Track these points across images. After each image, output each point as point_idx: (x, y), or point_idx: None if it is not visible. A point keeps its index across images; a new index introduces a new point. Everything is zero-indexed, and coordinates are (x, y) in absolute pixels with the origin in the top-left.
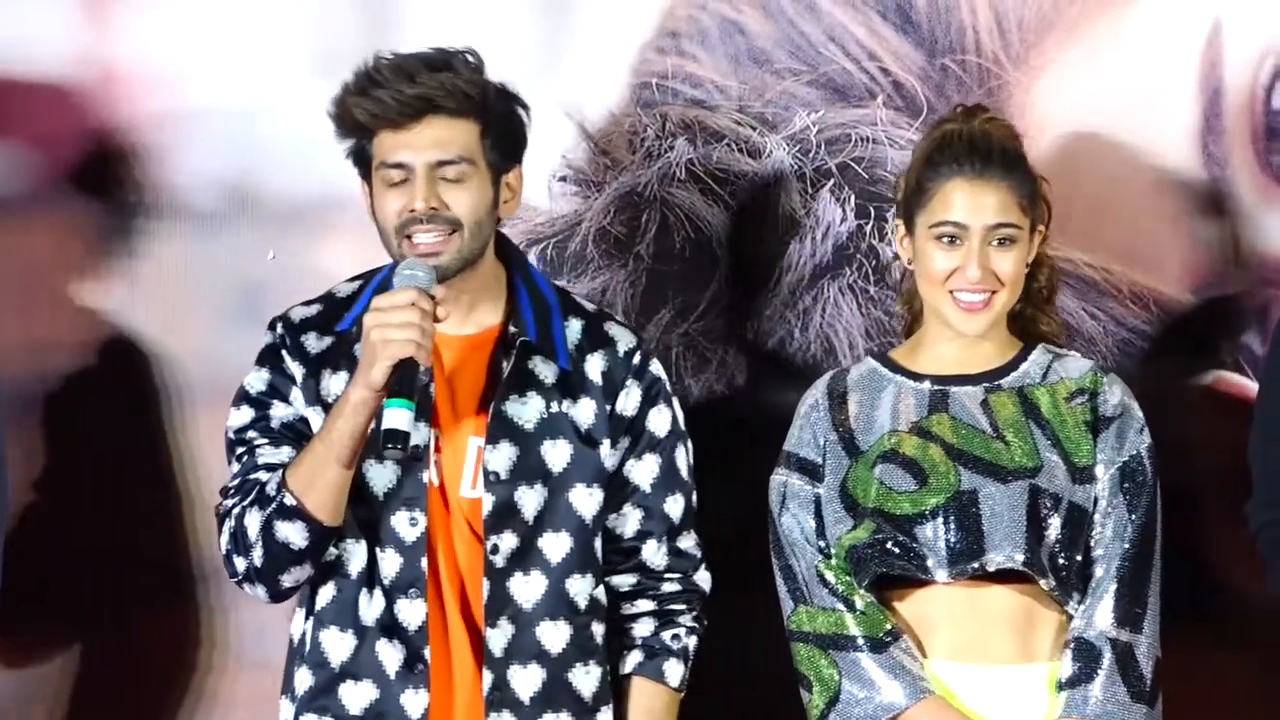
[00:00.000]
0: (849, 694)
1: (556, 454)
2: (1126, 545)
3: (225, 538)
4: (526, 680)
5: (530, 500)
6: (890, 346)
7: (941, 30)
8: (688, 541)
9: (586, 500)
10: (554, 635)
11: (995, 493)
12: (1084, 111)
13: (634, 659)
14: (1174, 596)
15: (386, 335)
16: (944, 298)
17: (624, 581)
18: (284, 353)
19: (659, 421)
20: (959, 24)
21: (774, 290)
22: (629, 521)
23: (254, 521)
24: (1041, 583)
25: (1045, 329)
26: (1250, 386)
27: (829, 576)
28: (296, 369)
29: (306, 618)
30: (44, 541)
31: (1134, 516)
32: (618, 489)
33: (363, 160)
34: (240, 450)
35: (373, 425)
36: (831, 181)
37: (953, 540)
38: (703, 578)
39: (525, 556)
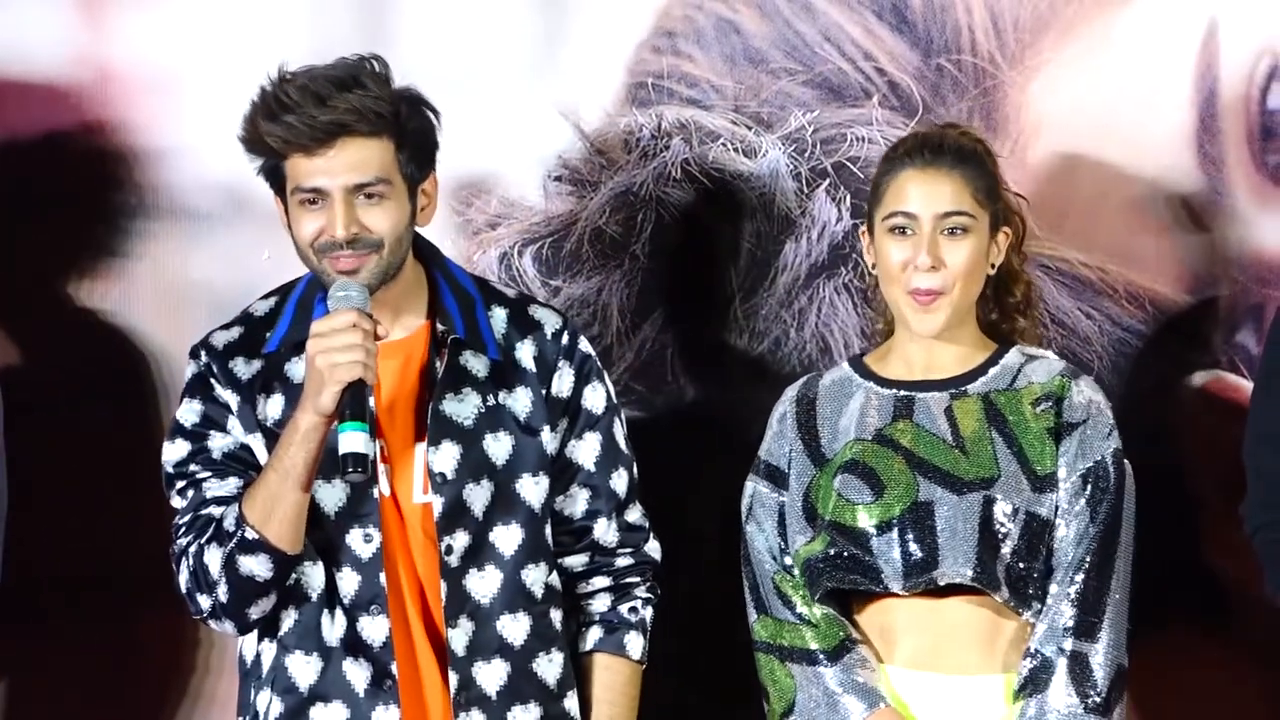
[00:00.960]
0: (803, 705)
1: (499, 447)
2: (1085, 553)
3: (185, 577)
4: (491, 675)
5: (479, 496)
6: (875, 346)
7: (937, 30)
8: (635, 514)
9: (534, 489)
10: (514, 628)
11: (950, 504)
12: (1079, 111)
13: (593, 635)
14: (1172, 597)
15: (332, 360)
16: (900, 295)
17: (577, 562)
18: (213, 381)
19: (594, 399)
20: (954, 24)
21: (770, 290)
22: (577, 502)
23: (214, 559)
24: (995, 596)
25: (1025, 338)
26: (1245, 386)
27: (785, 588)
28: (230, 397)
29: (261, 639)
30: (42, 541)
31: (1095, 523)
32: (561, 470)
33: (275, 178)
34: (181, 485)
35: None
36: (827, 181)
37: (908, 553)
38: (653, 548)
39: (479, 552)
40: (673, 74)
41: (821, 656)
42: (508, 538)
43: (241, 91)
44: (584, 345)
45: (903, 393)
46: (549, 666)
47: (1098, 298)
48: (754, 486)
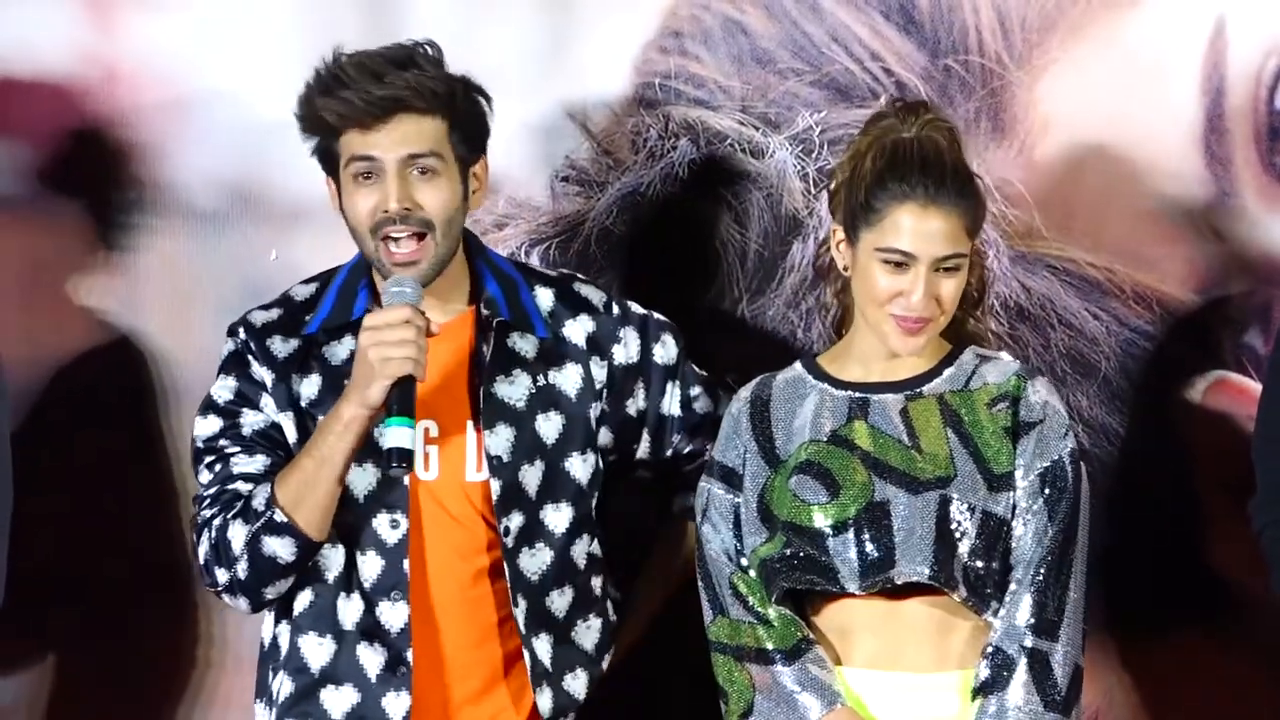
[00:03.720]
0: (761, 706)
1: (549, 427)
2: (1044, 552)
3: (205, 549)
4: (542, 649)
5: (532, 477)
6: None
7: (944, 30)
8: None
9: (581, 467)
10: (560, 600)
11: (906, 504)
12: (1087, 111)
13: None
14: (1177, 597)
15: (384, 354)
16: (883, 317)
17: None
18: (250, 358)
19: (663, 353)
20: (962, 24)
21: (777, 291)
22: (689, 444)
23: (239, 535)
24: (954, 595)
25: (973, 330)
26: (1253, 386)
27: (742, 589)
28: (265, 374)
29: (278, 622)
30: (45, 540)
31: (1053, 523)
32: (658, 428)
33: (329, 158)
34: (210, 459)
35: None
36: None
37: (865, 552)
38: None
39: (530, 531)
40: (680, 74)
41: (777, 656)
42: (558, 517)
43: (246, 89)
44: (636, 307)
45: (857, 394)
46: (587, 633)
47: (1105, 298)
48: (709, 488)
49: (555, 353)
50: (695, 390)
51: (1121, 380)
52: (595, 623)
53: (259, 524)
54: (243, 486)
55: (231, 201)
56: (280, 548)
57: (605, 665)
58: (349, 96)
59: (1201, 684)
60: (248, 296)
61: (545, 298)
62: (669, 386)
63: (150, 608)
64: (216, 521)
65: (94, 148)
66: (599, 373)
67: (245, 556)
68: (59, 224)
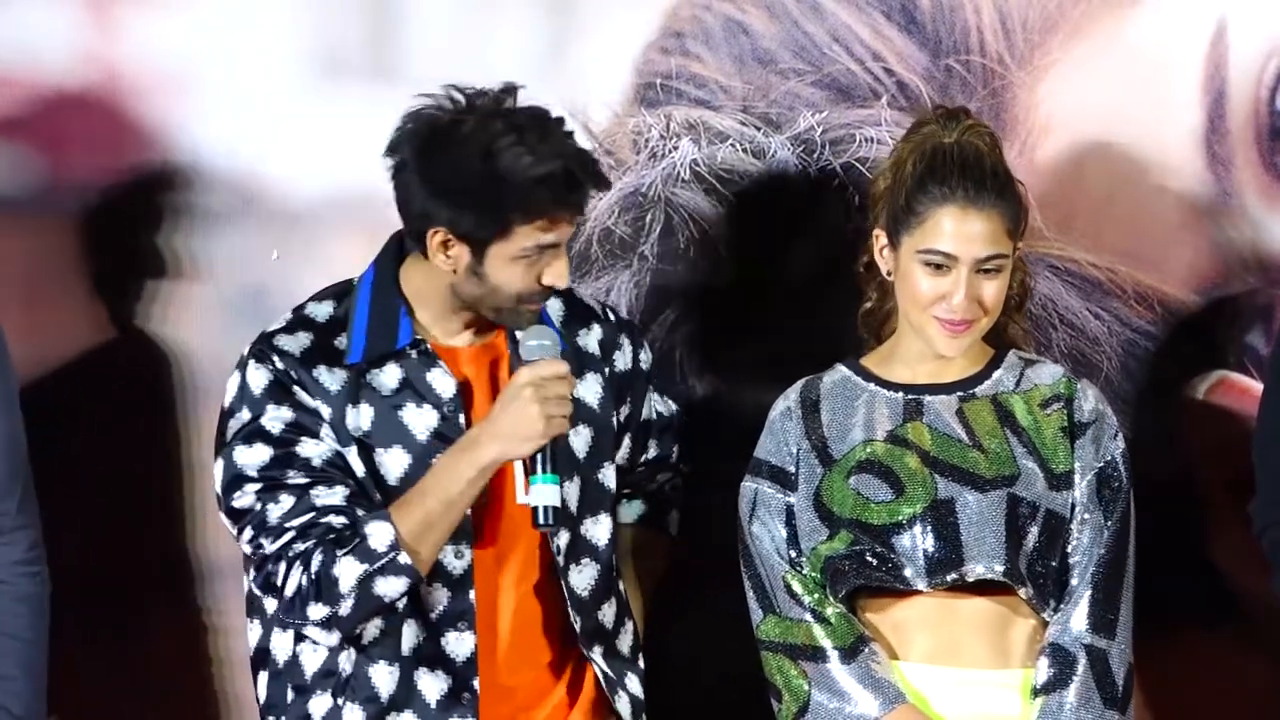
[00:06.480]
0: (818, 704)
1: (579, 441)
2: (1102, 551)
3: (300, 582)
4: (600, 661)
5: (572, 493)
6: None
7: (946, 31)
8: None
9: (610, 476)
10: (609, 612)
11: (973, 501)
12: (1088, 112)
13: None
14: (1179, 597)
15: (550, 411)
16: (926, 320)
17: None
18: (296, 389)
19: (646, 359)
20: (963, 24)
21: (778, 291)
22: (665, 444)
23: (349, 573)
24: (1020, 592)
25: (1012, 334)
26: (1254, 386)
27: (796, 587)
28: (321, 406)
29: (299, 641)
30: (49, 541)
31: (1109, 522)
32: (642, 431)
33: (481, 230)
34: (262, 486)
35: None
36: (836, 182)
37: (931, 550)
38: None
39: (576, 547)
40: (681, 74)
41: (835, 654)
42: (598, 529)
43: (249, 92)
44: (621, 312)
45: (910, 396)
46: (625, 637)
47: (1106, 298)
48: (756, 487)
49: (575, 365)
50: (658, 395)
51: (1123, 380)
52: (629, 625)
53: (377, 564)
54: (334, 520)
55: (234, 202)
56: (394, 587)
57: (641, 663)
58: (575, 200)
59: (1202, 684)
60: (249, 296)
61: (556, 308)
62: (648, 392)
63: (157, 610)
64: (317, 556)
65: (96, 150)
66: (607, 379)
67: (354, 595)
68: (61, 225)
